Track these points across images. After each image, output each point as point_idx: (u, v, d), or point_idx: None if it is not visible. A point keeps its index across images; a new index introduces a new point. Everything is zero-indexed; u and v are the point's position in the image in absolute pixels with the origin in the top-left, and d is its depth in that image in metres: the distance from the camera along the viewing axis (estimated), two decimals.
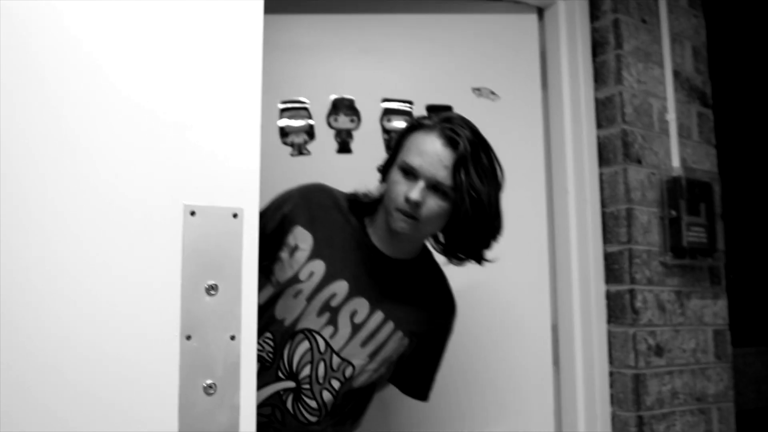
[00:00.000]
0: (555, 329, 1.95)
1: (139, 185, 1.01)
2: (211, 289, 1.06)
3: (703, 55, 2.17)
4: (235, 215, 1.10)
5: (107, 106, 0.98)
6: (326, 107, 1.86)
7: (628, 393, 1.81)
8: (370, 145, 1.85)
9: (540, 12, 2.10)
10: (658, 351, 1.85)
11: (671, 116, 2.01)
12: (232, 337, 1.07)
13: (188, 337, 1.04)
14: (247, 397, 1.07)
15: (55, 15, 0.96)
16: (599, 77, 2.00)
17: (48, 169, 0.93)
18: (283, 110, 1.85)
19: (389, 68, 1.92)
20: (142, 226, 1.02)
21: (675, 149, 2.00)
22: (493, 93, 1.95)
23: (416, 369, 1.53)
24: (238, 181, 1.10)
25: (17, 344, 0.88)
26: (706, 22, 2.24)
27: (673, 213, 1.92)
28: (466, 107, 1.92)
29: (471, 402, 1.87)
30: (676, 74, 2.07)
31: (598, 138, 1.98)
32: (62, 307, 0.93)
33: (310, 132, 1.82)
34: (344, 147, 1.81)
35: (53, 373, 0.91)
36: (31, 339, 0.90)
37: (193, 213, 1.07)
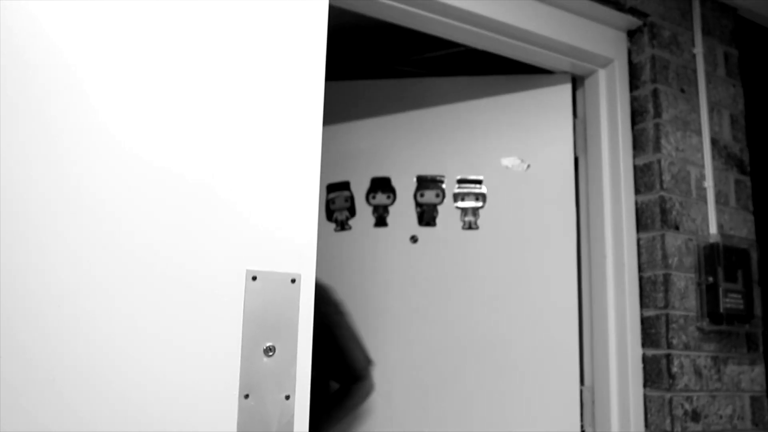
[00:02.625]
0: (591, 391, 1.98)
1: (209, 253, 1.09)
2: (269, 351, 1.14)
3: (741, 123, 2.22)
4: (293, 281, 1.18)
5: (183, 189, 1.08)
6: (366, 186, 1.97)
7: None
8: (405, 217, 1.95)
9: (574, 81, 2.17)
10: (695, 416, 1.87)
11: (709, 183, 2.06)
12: (287, 397, 1.13)
13: (246, 396, 1.11)
14: None
15: (137, 119, 1.07)
16: (638, 144, 2.06)
17: (132, 246, 1.03)
18: (329, 187, 1.99)
19: (423, 148, 2.02)
20: (209, 289, 1.10)
21: (712, 216, 2.04)
22: (522, 162, 2.03)
23: (339, 356, 1.76)
24: (297, 249, 1.18)
25: (97, 399, 0.97)
26: (744, 90, 2.30)
27: (710, 279, 1.95)
28: (496, 178, 2.00)
29: None
30: (714, 142, 2.12)
31: (637, 204, 2.03)
32: (135, 367, 1.02)
33: (351, 209, 1.94)
34: (381, 221, 1.91)
35: (126, 424, 0.99)
36: (107, 401, 0.98)
37: (254, 278, 1.15)
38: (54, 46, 1.00)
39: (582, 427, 1.96)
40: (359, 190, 1.97)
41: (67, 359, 0.95)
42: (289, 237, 1.16)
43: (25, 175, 0.95)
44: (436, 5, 1.76)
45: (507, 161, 2.00)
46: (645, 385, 1.91)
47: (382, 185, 1.93)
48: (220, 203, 1.10)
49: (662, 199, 1.97)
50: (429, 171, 1.97)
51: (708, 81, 2.16)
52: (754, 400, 2.01)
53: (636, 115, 2.09)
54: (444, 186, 1.97)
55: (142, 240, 1.03)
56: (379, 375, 1.86)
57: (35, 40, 0.99)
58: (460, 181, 1.98)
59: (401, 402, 1.87)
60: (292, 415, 1.12)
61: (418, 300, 1.91)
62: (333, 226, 1.95)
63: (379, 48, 2.26)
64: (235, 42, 1.15)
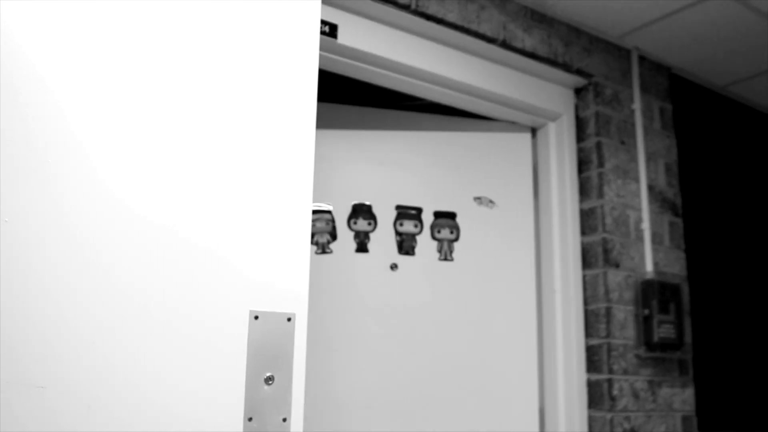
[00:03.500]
0: (542, 412, 2.21)
1: (218, 297, 1.30)
2: (269, 380, 1.34)
3: (675, 171, 2.50)
4: (288, 319, 1.38)
5: (195, 251, 1.29)
6: (347, 211, 2.15)
7: None
8: (385, 245, 2.14)
9: (533, 131, 2.43)
10: None
11: (646, 225, 2.32)
12: (284, 419, 1.33)
13: (250, 419, 1.31)
14: None
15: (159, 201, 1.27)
16: (584, 190, 2.32)
17: (152, 293, 1.23)
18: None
19: (402, 178, 2.23)
20: (218, 327, 1.30)
21: (649, 255, 2.30)
22: (491, 201, 2.26)
23: None
24: (292, 292, 1.39)
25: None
26: (678, 140, 2.58)
27: (647, 311, 2.21)
28: (468, 213, 2.22)
29: None
30: (651, 188, 2.39)
31: (582, 244, 2.28)
32: (154, 397, 1.21)
33: (332, 233, 2.10)
34: (362, 247, 2.09)
35: None
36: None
37: (256, 317, 1.35)
38: (60, 111, 1.19)
39: None
40: (340, 214, 2.12)
41: (86, 394, 1.14)
42: (285, 284, 1.37)
43: (54, 247, 1.14)
44: (404, 68, 2.00)
45: (477, 197, 2.23)
46: (589, 407, 2.15)
47: (363, 212, 2.11)
48: (225, 258, 1.30)
49: (605, 240, 2.22)
50: (408, 201, 2.17)
51: (645, 133, 2.43)
52: (684, 419, 2.27)
53: (582, 164, 2.35)
54: (422, 217, 2.17)
55: (162, 288, 1.22)
56: (356, 397, 2.04)
57: (39, 100, 1.18)
58: (437, 214, 2.19)
59: (378, 424, 2.06)
60: None
61: (396, 325, 2.10)
62: (314, 248, 2.10)
63: (374, 93, 2.47)
64: (236, 119, 1.36)
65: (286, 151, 1.43)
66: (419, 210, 2.19)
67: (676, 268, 2.39)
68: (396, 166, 2.24)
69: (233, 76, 1.38)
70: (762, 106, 3.01)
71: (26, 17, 1.18)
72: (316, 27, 1.49)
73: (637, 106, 2.43)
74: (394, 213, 2.17)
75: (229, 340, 1.30)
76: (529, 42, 2.19)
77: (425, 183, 2.26)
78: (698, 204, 2.62)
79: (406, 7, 1.92)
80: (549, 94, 2.33)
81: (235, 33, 1.40)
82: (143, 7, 1.29)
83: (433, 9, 1.98)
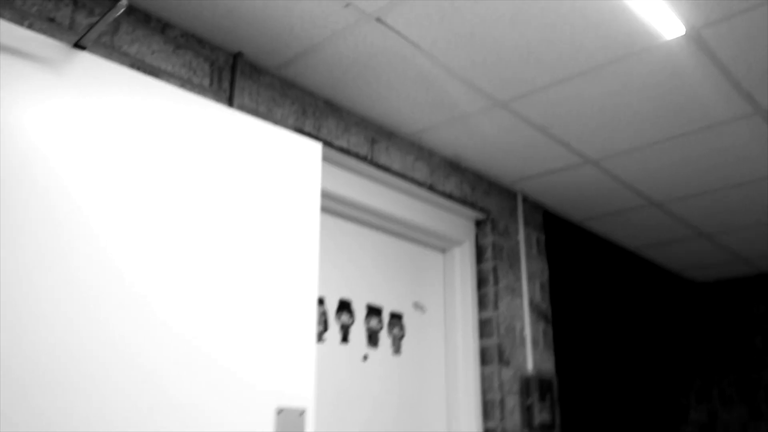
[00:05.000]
0: None
1: (254, 397, 1.74)
2: None
3: (546, 288, 3.19)
4: (301, 413, 1.84)
5: (238, 363, 1.73)
6: (335, 305, 2.53)
7: None
8: (359, 337, 2.56)
9: (444, 250, 3.03)
10: None
11: (527, 332, 2.97)
12: None
13: None
14: None
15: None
16: (482, 303, 2.93)
17: (198, 397, 1.66)
18: None
19: (368, 278, 2.72)
20: (256, 420, 1.73)
21: (529, 355, 2.94)
22: (422, 307, 2.81)
23: None
24: (303, 392, 1.85)
25: None
26: (549, 263, 3.29)
27: (529, 400, 2.83)
28: (410, 315, 2.75)
29: None
30: (531, 302, 3.06)
31: (480, 346, 2.88)
32: None
33: (325, 323, 2.48)
34: (345, 338, 2.51)
35: None
36: None
37: (280, 411, 1.79)
38: (87, 223, 1.63)
39: None
40: (330, 307, 2.49)
41: None
42: (298, 389, 1.82)
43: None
44: (359, 204, 2.54)
45: (415, 302, 2.77)
46: None
47: (346, 307, 2.54)
48: (258, 368, 1.75)
49: (499, 345, 2.83)
50: (372, 301, 2.62)
51: (527, 258, 3.11)
52: None
53: (480, 282, 2.97)
54: (383, 315, 2.65)
55: (207, 393, 1.65)
56: None
57: (66, 208, 1.62)
58: (392, 315, 2.68)
59: None
60: None
61: (366, 413, 2.51)
62: None
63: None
64: (260, 253, 1.83)
65: (298, 285, 1.91)
66: (381, 310, 2.68)
67: (549, 365, 3.05)
68: (362, 267, 2.70)
69: (257, 218, 1.88)
70: (606, 236, 3.83)
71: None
72: (318, 174, 2.03)
73: (521, 236, 3.12)
74: (365, 310, 2.62)
75: (261, 427, 1.74)
76: (448, 186, 2.82)
77: (385, 284, 2.73)
78: (563, 313, 3.33)
79: (365, 158, 2.48)
80: (457, 225, 2.96)
81: (258, 180, 1.90)
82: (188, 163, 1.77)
83: (382, 160, 2.55)
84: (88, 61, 1.60)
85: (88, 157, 1.54)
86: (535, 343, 3.01)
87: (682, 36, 2.02)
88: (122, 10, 1.49)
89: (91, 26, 1.56)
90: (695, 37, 2.03)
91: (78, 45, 1.60)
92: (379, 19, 1.96)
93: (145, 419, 1.51)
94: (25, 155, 1.44)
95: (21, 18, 1.65)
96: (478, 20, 1.95)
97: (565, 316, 3.36)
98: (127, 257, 1.56)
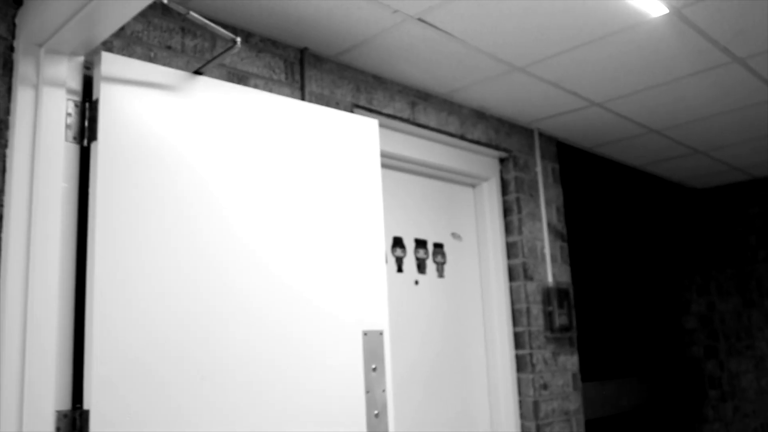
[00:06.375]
0: (488, 376, 3.37)
1: (345, 324, 2.31)
2: (374, 369, 2.38)
3: (562, 211, 3.73)
4: (380, 333, 2.42)
5: (333, 299, 2.30)
6: (390, 242, 3.10)
7: (530, 410, 3.26)
8: (410, 267, 3.14)
9: (473, 187, 3.56)
10: (545, 387, 3.32)
11: (546, 251, 3.53)
12: (383, 390, 2.38)
13: (367, 392, 2.34)
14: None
15: None
16: (508, 230, 3.48)
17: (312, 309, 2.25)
18: None
19: (414, 215, 3.27)
20: (347, 340, 2.31)
21: (549, 270, 3.51)
22: (459, 236, 3.37)
23: None
24: (380, 318, 2.42)
25: None
26: (563, 189, 3.81)
27: (550, 308, 3.42)
28: (449, 244, 3.31)
29: None
30: (549, 225, 3.60)
31: (508, 265, 3.45)
32: (308, 378, 2.24)
33: (384, 258, 3.02)
34: (399, 268, 3.08)
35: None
36: None
37: (365, 333, 2.38)
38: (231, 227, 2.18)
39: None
40: (387, 244, 3.04)
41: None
42: (376, 312, 2.40)
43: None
44: (401, 157, 3.05)
45: (453, 233, 3.33)
46: (518, 370, 3.33)
47: (399, 242, 3.09)
48: (348, 302, 2.32)
49: (524, 263, 3.40)
50: (418, 235, 3.18)
51: (544, 188, 3.63)
52: (573, 375, 3.52)
53: (506, 212, 3.51)
54: (428, 246, 3.21)
55: (310, 323, 2.23)
56: (400, 372, 3.05)
57: (199, 193, 2.17)
58: (435, 245, 3.25)
59: (413, 388, 3.11)
60: (385, 404, 2.37)
61: (421, 326, 3.11)
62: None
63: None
64: (342, 214, 2.38)
65: (369, 235, 2.45)
66: (426, 242, 3.23)
67: (565, 277, 3.63)
68: (408, 208, 3.26)
69: (335, 185, 2.41)
70: (613, 158, 4.33)
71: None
72: (377, 145, 2.54)
73: (538, 169, 3.63)
74: (413, 244, 3.18)
75: (353, 345, 2.33)
76: (476, 134, 3.31)
77: (427, 220, 3.28)
78: (577, 231, 3.88)
79: (407, 120, 2.97)
80: (484, 164, 3.47)
81: (333, 154, 2.42)
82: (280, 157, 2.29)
83: (422, 120, 3.04)
84: (204, 83, 2.10)
85: (211, 154, 2.06)
86: (553, 259, 3.57)
87: (665, 14, 2.47)
88: (237, 48, 1.97)
89: (211, 60, 2.05)
90: (676, 14, 2.47)
91: (197, 72, 2.09)
92: (420, 19, 2.42)
93: (266, 349, 2.10)
94: (166, 157, 1.97)
95: (148, 50, 2.14)
96: (499, 13, 2.40)
97: (578, 233, 3.91)
98: (245, 227, 2.11)
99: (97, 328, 1.73)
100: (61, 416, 1.73)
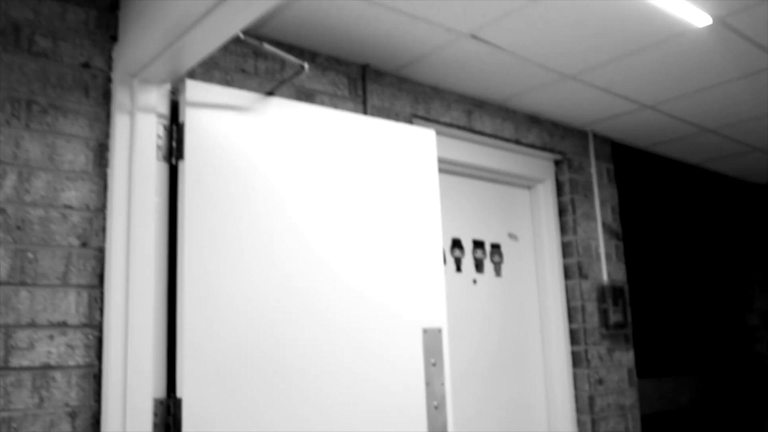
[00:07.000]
0: (545, 370, 3.50)
1: (406, 322, 2.49)
2: (434, 363, 2.55)
3: (617, 210, 3.82)
4: (439, 330, 2.59)
5: (397, 299, 2.49)
6: (449, 243, 3.27)
7: (585, 404, 3.38)
8: (468, 266, 3.31)
9: (529, 189, 3.69)
10: (600, 382, 3.44)
11: (601, 250, 3.63)
12: (442, 384, 2.55)
13: (427, 384, 2.51)
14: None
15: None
16: (563, 229, 3.60)
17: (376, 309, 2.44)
18: None
19: (468, 216, 3.43)
20: (408, 337, 2.49)
21: (604, 269, 3.62)
22: (516, 237, 3.51)
23: None
24: (438, 316, 2.59)
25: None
26: (618, 188, 3.91)
27: (605, 305, 3.53)
28: (506, 244, 3.46)
29: None
30: (603, 224, 3.70)
31: (564, 264, 3.57)
32: (376, 370, 2.43)
33: (444, 259, 3.19)
34: (458, 267, 3.26)
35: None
36: None
37: (425, 331, 2.56)
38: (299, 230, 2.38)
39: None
40: (446, 245, 3.22)
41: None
42: (435, 311, 2.58)
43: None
44: (460, 162, 3.21)
45: (509, 233, 3.48)
46: (573, 366, 3.46)
47: (458, 243, 3.27)
48: (410, 302, 2.50)
49: (579, 262, 3.52)
50: (476, 236, 3.34)
51: (599, 188, 3.74)
52: (629, 371, 3.62)
53: (561, 212, 3.63)
54: (485, 246, 3.37)
55: (374, 320, 2.42)
56: (458, 366, 3.22)
57: (272, 205, 2.36)
58: (492, 245, 3.41)
59: (470, 382, 3.27)
60: (444, 397, 2.54)
61: (478, 324, 3.28)
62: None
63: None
64: (406, 223, 2.56)
65: (428, 238, 2.63)
66: (483, 242, 3.40)
67: (621, 275, 3.72)
68: (466, 210, 3.42)
69: (397, 191, 2.58)
70: (670, 156, 4.38)
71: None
72: (434, 153, 2.71)
73: (593, 170, 3.73)
74: (471, 244, 3.35)
75: (414, 340, 2.51)
76: (530, 138, 3.45)
77: (484, 222, 3.44)
78: (633, 229, 3.97)
79: (464, 128, 3.13)
80: (539, 166, 3.60)
81: (395, 163, 2.60)
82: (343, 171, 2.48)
83: (477, 126, 3.20)
84: (276, 103, 2.31)
85: (282, 167, 2.28)
86: (608, 257, 3.68)
87: (710, 24, 2.56)
88: (305, 73, 2.17)
89: (281, 83, 2.26)
90: (721, 23, 2.56)
91: (269, 93, 2.31)
92: (473, 35, 2.58)
93: (334, 346, 2.30)
94: (243, 171, 2.19)
95: (225, 74, 2.36)
96: (546, 27, 2.54)
97: (637, 231, 4.00)
98: (313, 233, 2.31)
99: (187, 328, 1.97)
100: (158, 403, 1.97)
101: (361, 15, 2.40)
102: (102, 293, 1.97)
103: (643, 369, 3.88)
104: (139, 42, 1.96)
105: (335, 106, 2.66)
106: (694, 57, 2.86)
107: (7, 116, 1.89)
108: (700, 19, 2.52)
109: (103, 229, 2.00)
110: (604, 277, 3.62)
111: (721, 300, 4.87)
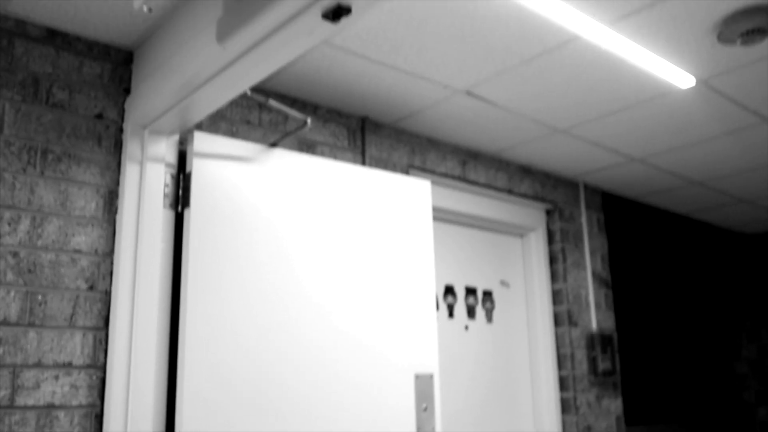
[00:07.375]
0: (534, 416, 3.56)
1: (399, 368, 2.56)
2: (425, 408, 2.62)
3: (606, 259, 3.92)
4: (431, 376, 2.66)
5: (388, 347, 2.56)
6: (442, 290, 3.36)
7: None
8: (460, 312, 3.39)
9: (521, 237, 3.79)
10: (589, 429, 3.49)
11: (591, 298, 3.72)
12: (433, 429, 2.61)
13: (419, 429, 2.57)
14: None
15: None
16: (554, 277, 3.69)
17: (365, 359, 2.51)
18: None
19: (462, 263, 3.52)
20: (401, 382, 2.56)
21: (593, 316, 3.70)
22: (507, 284, 3.60)
23: None
24: (430, 361, 2.67)
25: None
26: (607, 237, 4.01)
27: (594, 353, 3.60)
28: (498, 291, 3.54)
29: None
30: (593, 273, 3.80)
31: (554, 311, 3.65)
32: (369, 413, 2.49)
33: (436, 305, 3.29)
34: (451, 313, 3.34)
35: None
36: None
37: (417, 376, 2.62)
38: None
39: None
40: (439, 291, 3.31)
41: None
42: (427, 357, 2.65)
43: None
44: (453, 211, 3.31)
45: (501, 280, 3.56)
46: (562, 413, 3.52)
47: (450, 290, 3.35)
48: (401, 349, 2.58)
49: (568, 310, 3.60)
50: (468, 283, 3.43)
51: (589, 237, 3.84)
52: (617, 418, 3.67)
53: (552, 260, 3.72)
54: (477, 293, 3.45)
55: (370, 367, 2.49)
56: (448, 405, 3.28)
57: (275, 253, 2.45)
58: (484, 292, 3.49)
59: (462, 422, 3.33)
60: None
61: (470, 369, 3.35)
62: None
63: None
64: (399, 272, 2.64)
65: (421, 287, 2.71)
66: (475, 289, 3.48)
67: (610, 323, 3.81)
68: (459, 258, 3.52)
69: (391, 239, 2.68)
70: (659, 206, 4.50)
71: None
72: (429, 204, 2.81)
73: (583, 219, 3.84)
74: (464, 291, 3.43)
75: (406, 388, 2.58)
76: (523, 188, 3.56)
77: (477, 269, 3.53)
78: (622, 277, 4.07)
79: (459, 178, 3.24)
80: (531, 215, 3.71)
81: (390, 212, 2.69)
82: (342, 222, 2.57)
83: (472, 177, 3.31)
84: (279, 154, 2.41)
85: (284, 216, 2.37)
86: (597, 305, 3.76)
87: (693, 86, 2.69)
88: (308, 128, 2.28)
89: (285, 135, 2.36)
90: (704, 84, 2.69)
91: (272, 144, 2.41)
92: (468, 92, 2.70)
93: (329, 389, 2.37)
94: (246, 219, 2.28)
95: (230, 125, 2.47)
96: (539, 85, 2.67)
97: (623, 280, 4.09)
98: (311, 279, 2.40)
99: (187, 369, 2.04)
100: None
101: (362, 72, 2.52)
102: (107, 335, 2.04)
103: (631, 416, 3.94)
104: (152, 95, 2.07)
105: (335, 156, 2.77)
106: (680, 115, 2.99)
107: (23, 164, 1.98)
108: (685, 81, 2.65)
109: (111, 273, 2.08)
110: (594, 325, 3.70)
111: (709, 348, 4.95)
